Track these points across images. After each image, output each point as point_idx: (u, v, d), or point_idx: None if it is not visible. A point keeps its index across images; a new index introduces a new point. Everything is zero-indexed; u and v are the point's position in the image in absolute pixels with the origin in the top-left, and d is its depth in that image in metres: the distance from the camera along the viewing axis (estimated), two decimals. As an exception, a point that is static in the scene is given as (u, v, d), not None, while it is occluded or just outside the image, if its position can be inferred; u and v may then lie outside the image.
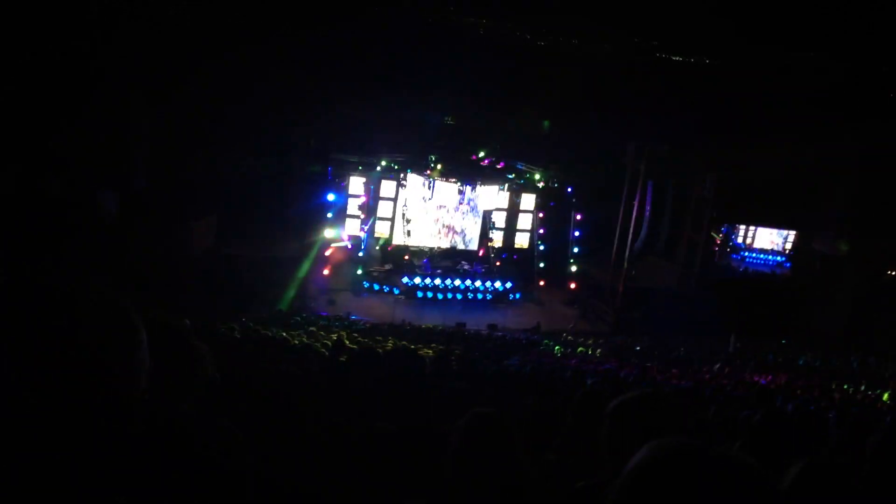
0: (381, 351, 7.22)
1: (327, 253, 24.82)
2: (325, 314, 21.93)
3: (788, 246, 28.75)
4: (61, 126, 17.98)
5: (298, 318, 19.46)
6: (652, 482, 1.11)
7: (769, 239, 28.92)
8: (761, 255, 28.93)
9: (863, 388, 15.70)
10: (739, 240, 29.04)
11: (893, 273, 26.69)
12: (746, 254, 29.05)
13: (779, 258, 28.87)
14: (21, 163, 17.37)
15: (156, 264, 18.52)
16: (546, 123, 27.48)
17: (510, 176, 27.52)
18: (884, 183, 24.39)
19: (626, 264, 25.35)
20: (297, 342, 11.00)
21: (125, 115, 20.91)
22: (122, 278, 15.81)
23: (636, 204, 25.37)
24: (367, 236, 26.22)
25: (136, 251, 18.71)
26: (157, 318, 2.02)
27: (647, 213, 27.70)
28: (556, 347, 20.80)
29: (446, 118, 27.62)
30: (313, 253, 24.41)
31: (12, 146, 17.08)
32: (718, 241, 28.53)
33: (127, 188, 20.97)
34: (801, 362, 20.72)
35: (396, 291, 24.98)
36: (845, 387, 15.58)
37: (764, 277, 27.87)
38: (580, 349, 20.56)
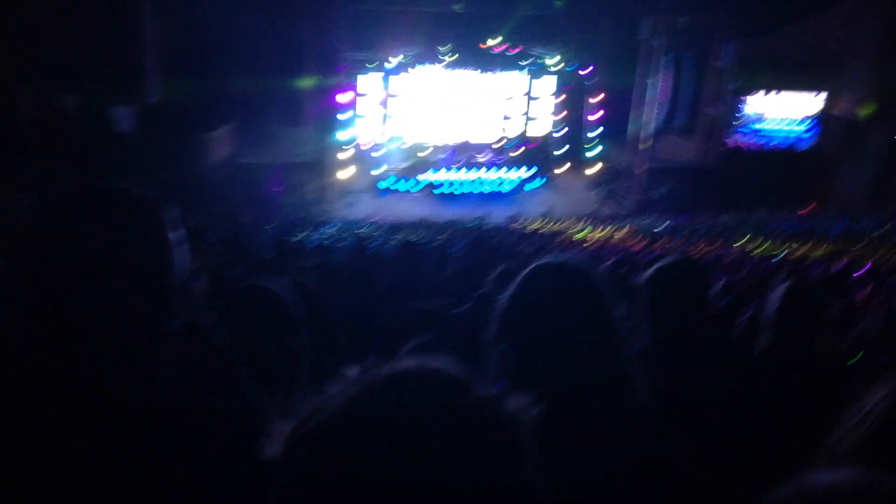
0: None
1: (343, 156, 24.64)
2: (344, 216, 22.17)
3: (808, 113, 26.61)
4: (73, 35, 17.66)
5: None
6: None
7: (786, 109, 26.80)
8: (776, 128, 26.83)
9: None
10: (748, 111, 26.69)
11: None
12: (758, 126, 26.82)
13: (797, 129, 26.88)
14: (35, 79, 17.30)
15: (174, 178, 18.66)
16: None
17: (525, 62, 26.81)
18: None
19: (644, 144, 25.00)
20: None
21: (137, 25, 20.48)
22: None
23: (653, 81, 24.77)
24: (382, 135, 26.00)
25: (153, 166, 18.81)
26: None
27: (666, 90, 26.92)
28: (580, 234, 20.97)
29: (456, 6, 26.70)
30: (329, 156, 24.28)
31: (26, 61, 16.97)
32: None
33: (140, 102, 20.86)
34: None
35: (415, 189, 24.94)
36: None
37: (785, 148, 26.89)
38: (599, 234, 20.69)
